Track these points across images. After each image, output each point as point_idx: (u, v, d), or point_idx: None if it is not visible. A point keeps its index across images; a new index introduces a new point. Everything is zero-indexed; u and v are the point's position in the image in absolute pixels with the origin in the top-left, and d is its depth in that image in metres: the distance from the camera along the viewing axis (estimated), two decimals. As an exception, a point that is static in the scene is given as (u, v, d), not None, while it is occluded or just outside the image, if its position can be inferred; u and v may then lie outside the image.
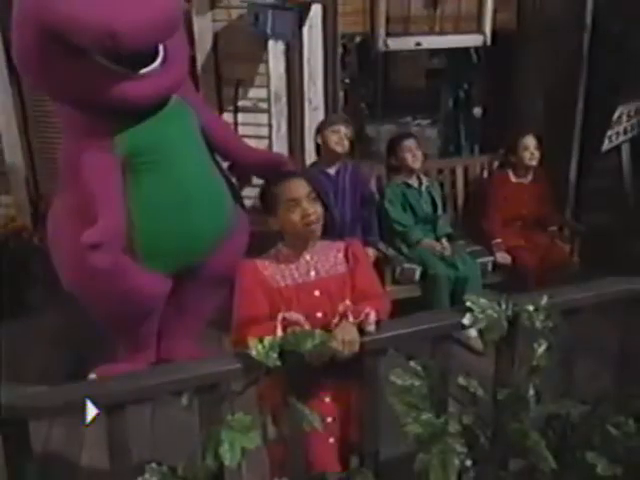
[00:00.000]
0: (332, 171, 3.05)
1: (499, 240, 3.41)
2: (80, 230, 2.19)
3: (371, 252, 3.14)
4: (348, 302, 1.71)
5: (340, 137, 2.97)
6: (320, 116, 3.43)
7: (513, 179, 3.56)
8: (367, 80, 8.97)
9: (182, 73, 2.37)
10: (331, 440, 1.75)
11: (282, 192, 1.72)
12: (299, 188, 1.73)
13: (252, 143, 3.49)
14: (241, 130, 3.42)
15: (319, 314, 1.72)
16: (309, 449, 1.62)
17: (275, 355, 1.52)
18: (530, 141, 3.47)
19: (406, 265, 3.24)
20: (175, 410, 2.53)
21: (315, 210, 1.72)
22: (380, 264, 3.16)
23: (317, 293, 1.74)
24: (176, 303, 2.73)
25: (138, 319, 2.63)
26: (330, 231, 1.86)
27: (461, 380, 1.75)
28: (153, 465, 1.45)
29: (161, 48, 2.22)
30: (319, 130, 3.04)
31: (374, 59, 9.15)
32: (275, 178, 1.81)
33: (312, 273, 1.75)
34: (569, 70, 3.87)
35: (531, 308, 1.77)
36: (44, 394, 1.45)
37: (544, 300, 1.78)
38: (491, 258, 3.38)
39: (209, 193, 2.52)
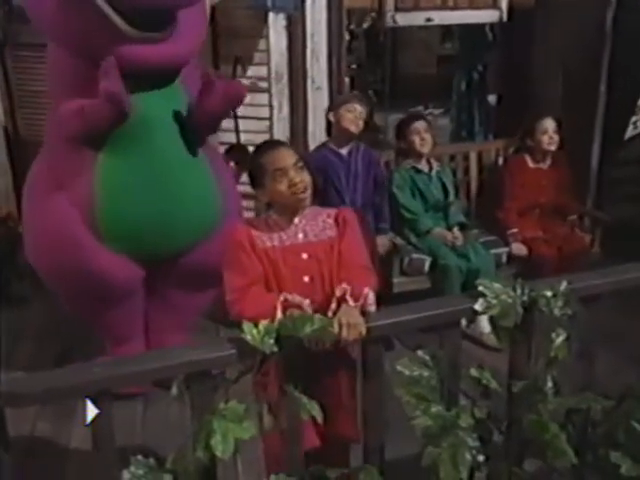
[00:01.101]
0: (344, 152, 3.03)
1: (515, 230, 3.39)
2: (52, 196, 2.29)
3: (384, 241, 3.13)
4: (345, 285, 1.67)
5: (355, 116, 2.95)
6: (324, 96, 3.42)
7: (530, 164, 3.52)
8: (375, 67, 8.97)
9: (191, 47, 2.37)
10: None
11: (268, 162, 1.74)
12: (285, 157, 1.75)
13: (251, 125, 3.52)
14: (240, 111, 3.37)
15: (306, 278, 1.74)
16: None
17: (271, 340, 1.50)
18: (549, 124, 3.43)
19: (415, 255, 3.21)
20: (167, 406, 2.65)
21: (302, 179, 1.74)
22: (388, 254, 3.14)
23: (305, 256, 1.76)
24: (162, 297, 2.72)
25: (104, 304, 2.62)
26: None
27: (473, 372, 1.73)
28: (139, 457, 1.42)
29: (177, 17, 2.24)
30: (332, 108, 3.02)
31: (382, 44, 9.14)
32: (261, 148, 1.82)
33: (300, 235, 1.78)
34: (591, 50, 3.82)
35: (549, 294, 1.74)
36: (21, 380, 1.42)
37: (563, 286, 1.75)
38: (506, 249, 3.36)
39: (192, 184, 2.49)
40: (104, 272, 2.49)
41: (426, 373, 1.66)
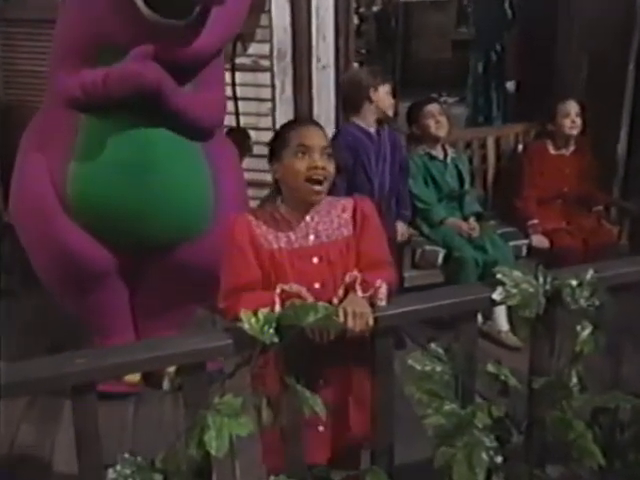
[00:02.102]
0: (372, 131, 2.99)
1: (535, 221, 3.36)
2: (30, 155, 2.35)
3: (404, 229, 3.11)
4: (356, 272, 1.63)
5: (389, 95, 2.95)
6: (330, 76, 3.40)
7: (552, 150, 3.50)
8: (385, 52, 8.94)
9: (214, 41, 2.30)
10: (320, 428, 1.69)
11: (294, 136, 1.65)
12: (314, 136, 1.66)
13: (252, 107, 3.50)
14: (239, 91, 3.38)
15: (317, 285, 1.65)
16: None
17: (271, 330, 1.46)
18: (572, 106, 3.40)
19: (427, 247, 3.20)
20: (160, 407, 2.64)
21: (325, 166, 1.63)
22: (400, 246, 3.11)
23: (315, 260, 1.67)
24: (150, 292, 2.70)
25: (77, 285, 2.60)
26: None
27: (490, 367, 1.70)
28: (126, 455, 1.39)
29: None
30: (373, 84, 2.93)
31: (394, 28, 9.10)
32: (291, 123, 1.74)
33: (311, 237, 1.69)
34: (619, 29, 3.77)
35: (574, 283, 1.71)
36: (-2, 371, 1.39)
37: (589, 274, 1.72)
38: (526, 241, 3.33)
39: (179, 174, 2.44)
40: (69, 247, 2.48)
41: (439, 368, 1.63)
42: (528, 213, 3.38)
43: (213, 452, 1.34)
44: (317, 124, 1.74)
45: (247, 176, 3.01)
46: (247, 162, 3.34)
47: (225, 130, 3.40)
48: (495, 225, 3.42)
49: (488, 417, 1.59)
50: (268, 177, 3.49)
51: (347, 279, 1.63)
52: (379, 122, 2.99)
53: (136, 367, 1.47)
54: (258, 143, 3.38)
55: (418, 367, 1.62)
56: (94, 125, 2.36)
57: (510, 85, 4.85)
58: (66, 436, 2.37)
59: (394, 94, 3.02)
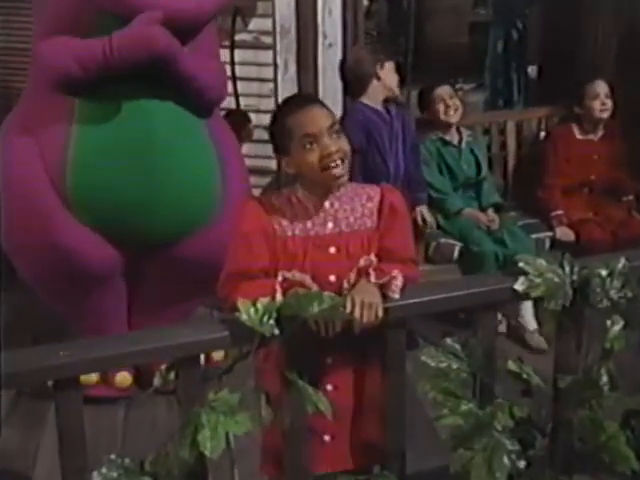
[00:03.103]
0: (383, 110, 3.02)
1: (560, 212, 3.35)
2: (20, 142, 2.32)
3: (427, 213, 3.13)
4: (372, 256, 1.61)
5: (394, 72, 2.99)
6: (337, 54, 3.37)
7: (578, 135, 3.48)
8: (397, 35, 8.90)
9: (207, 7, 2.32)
10: (326, 438, 1.66)
11: (296, 124, 1.60)
12: (318, 119, 1.60)
13: (252, 87, 3.48)
14: (239, 71, 3.36)
15: (332, 277, 1.62)
16: None
17: (272, 321, 1.45)
18: (601, 87, 3.38)
19: (442, 240, 3.19)
20: (152, 411, 2.63)
21: (339, 147, 1.59)
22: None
23: (332, 250, 1.64)
24: (148, 291, 2.69)
25: (76, 288, 2.58)
26: None
27: (511, 365, 1.70)
28: (112, 457, 1.38)
29: None
30: (379, 60, 3.00)
31: (406, 9, 9.06)
32: (287, 105, 1.70)
33: (329, 225, 1.65)
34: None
35: (604, 273, 1.70)
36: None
37: (621, 263, 1.71)
38: (549, 234, 3.31)
39: (186, 157, 2.45)
40: (71, 247, 2.44)
41: (456, 365, 1.62)
42: (552, 203, 3.37)
43: (207, 453, 1.32)
44: (316, 101, 1.71)
45: (248, 163, 2.99)
46: (247, 148, 3.32)
47: (223, 113, 3.39)
48: (516, 217, 3.40)
49: (509, 418, 1.58)
50: (270, 164, 3.49)
51: (362, 262, 1.61)
52: (386, 101, 3.01)
53: (124, 360, 1.46)
54: (259, 127, 3.36)
55: (432, 364, 1.62)
56: (91, 108, 2.35)
57: (532, 70, 4.82)
58: (50, 440, 2.33)
59: (399, 72, 3.05)
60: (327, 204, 1.66)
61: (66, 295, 2.63)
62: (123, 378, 2.68)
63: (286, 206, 1.65)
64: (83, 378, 2.56)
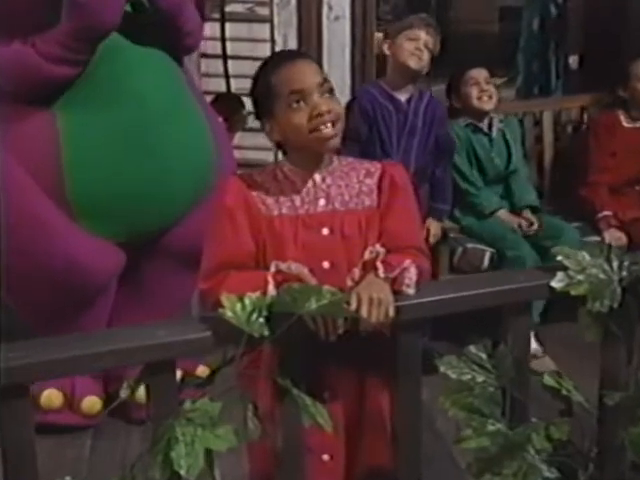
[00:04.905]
0: (402, 97, 2.98)
1: (608, 212, 3.37)
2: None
3: (437, 229, 3.09)
4: (379, 247, 1.60)
5: (417, 47, 2.89)
6: (345, 29, 3.41)
7: (625, 123, 3.51)
8: (414, 22, 8.90)
9: None
10: (325, 457, 1.65)
11: (281, 82, 1.60)
12: (306, 75, 1.61)
13: (246, 67, 3.47)
14: (230, 48, 3.39)
15: (325, 264, 1.62)
16: None
17: (261, 319, 1.42)
18: (648, 66, 3.40)
19: (470, 245, 3.21)
20: (124, 441, 2.59)
21: (330, 108, 1.59)
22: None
23: (325, 232, 1.65)
24: (135, 286, 2.73)
25: (73, 306, 2.61)
26: None
27: (547, 379, 1.66)
28: (67, 478, 1.34)
29: None
30: (388, 35, 2.98)
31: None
32: (271, 61, 1.71)
33: (321, 202, 1.66)
34: None
35: (660, 269, 1.67)
36: None
37: (680, 258, 1.69)
38: (596, 238, 3.30)
39: (182, 136, 2.57)
40: (81, 261, 2.50)
41: (481, 377, 1.60)
42: (598, 203, 3.39)
43: (183, 472, 1.28)
44: (304, 55, 1.73)
45: (241, 155, 3.01)
46: (241, 137, 3.33)
47: (213, 97, 3.40)
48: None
49: (546, 441, 1.55)
50: (268, 156, 3.48)
51: (367, 255, 1.60)
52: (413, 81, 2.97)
53: (86, 365, 1.40)
54: (253, 113, 3.36)
55: (453, 376, 1.59)
56: (71, 108, 2.44)
57: (573, 61, 4.82)
58: None
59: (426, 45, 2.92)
60: (318, 178, 1.66)
61: (54, 310, 2.64)
62: (91, 403, 2.68)
63: (271, 182, 1.66)
64: (44, 402, 2.64)
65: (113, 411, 2.70)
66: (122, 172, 2.48)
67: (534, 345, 3.05)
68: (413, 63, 2.89)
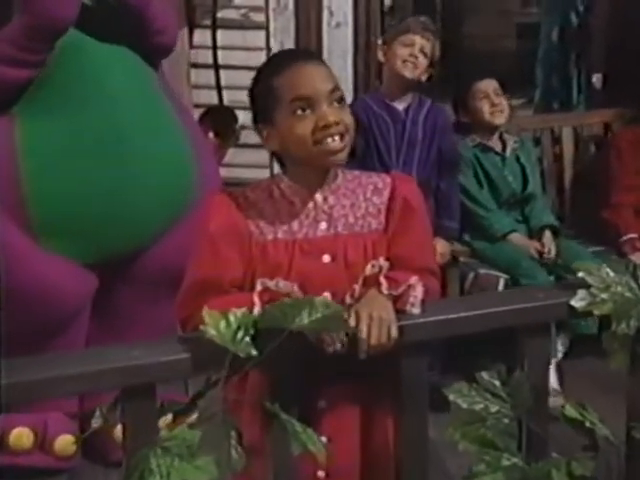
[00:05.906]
0: (399, 106, 3.00)
1: (633, 235, 3.40)
2: None
3: (445, 248, 3.08)
4: (382, 261, 1.59)
5: (412, 53, 2.91)
6: (347, 36, 3.43)
7: (651, 139, 3.54)
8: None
9: None
10: (320, 474, 1.61)
11: (284, 85, 1.56)
12: (314, 78, 1.57)
13: (240, 77, 3.47)
14: (222, 57, 3.40)
15: (326, 294, 1.55)
16: None
17: (247, 338, 1.39)
18: (676, 78, 3.41)
19: (482, 271, 3.22)
20: None
21: (339, 119, 1.54)
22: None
23: (326, 259, 1.61)
24: (112, 310, 2.71)
25: (41, 334, 2.56)
26: None
27: (569, 411, 1.63)
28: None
29: None
30: (385, 40, 3.02)
31: (439, 4, 9.18)
32: (274, 60, 1.70)
33: (322, 225, 1.62)
34: None
35: (691, 287, 1.66)
36: None
37: None
38: (619, 263, 3.29)
39: (158, 147, 2.56)
40: (46, 285, 2.48)
41: (495, 407, 1.58)
42: (622, 225, 3.42)
43: (158, 509, 1.25)
44: (313, 56, 1.69)
45: (234, 174, 3.00)
46: (233, 154, 3.32)
47: (203, 110, 3.41)
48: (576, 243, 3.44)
49: (567, 478, 1.53)
50: (264, 174, 3.47)
51: (368, 270, 1.57)
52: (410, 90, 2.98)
53: (52, 389, 1.38)
54: (247, 128, 3.36)
55: (464, 405, 1.57)
56: (34, 116, 2.42)
57: (597, 79, 4.85)
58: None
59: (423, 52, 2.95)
60: (319, 198, 1.62)
61: (24, 339, 2.57)
62: (65, 443, 2.63)
63: (266, 201, 1.62)
64: (14, 442, 2.61)
65: (89, 452, 2.72)
66: (89, 185, 2.46)
67: (553, 380, 3.02)
68: (407, 72, 2.91)
